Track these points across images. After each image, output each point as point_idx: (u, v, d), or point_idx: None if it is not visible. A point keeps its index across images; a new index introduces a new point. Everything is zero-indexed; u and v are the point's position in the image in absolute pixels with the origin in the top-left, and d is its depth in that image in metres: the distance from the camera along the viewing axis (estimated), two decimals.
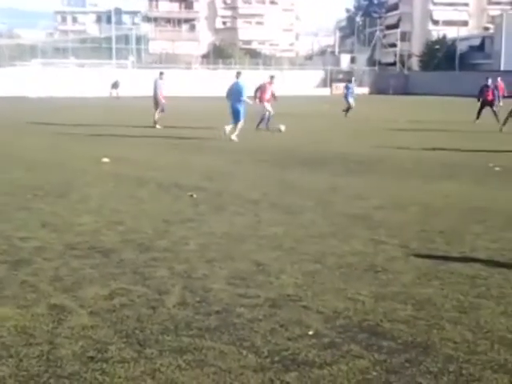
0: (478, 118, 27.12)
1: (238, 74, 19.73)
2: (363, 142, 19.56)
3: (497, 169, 13.40)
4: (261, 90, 23.36)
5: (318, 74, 79.04)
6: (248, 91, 19.05)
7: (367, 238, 7.37)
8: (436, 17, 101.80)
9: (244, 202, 9.51)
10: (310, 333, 4.53)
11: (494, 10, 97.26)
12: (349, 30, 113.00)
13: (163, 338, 4.44)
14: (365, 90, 72.10)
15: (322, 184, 11.34)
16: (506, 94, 30.64)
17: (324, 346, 4.32)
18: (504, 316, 4.95)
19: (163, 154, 15.83)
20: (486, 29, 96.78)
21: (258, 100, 23.10)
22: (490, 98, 26.82)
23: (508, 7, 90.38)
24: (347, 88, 32.09)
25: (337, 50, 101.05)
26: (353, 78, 36.36)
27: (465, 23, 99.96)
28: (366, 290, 5.48)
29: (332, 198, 10.06)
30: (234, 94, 19.10)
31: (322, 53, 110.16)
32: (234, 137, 18.91)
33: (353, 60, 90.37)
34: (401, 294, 5.40)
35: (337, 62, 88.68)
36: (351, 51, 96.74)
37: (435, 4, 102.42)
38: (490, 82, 27.14)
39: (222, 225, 7.98)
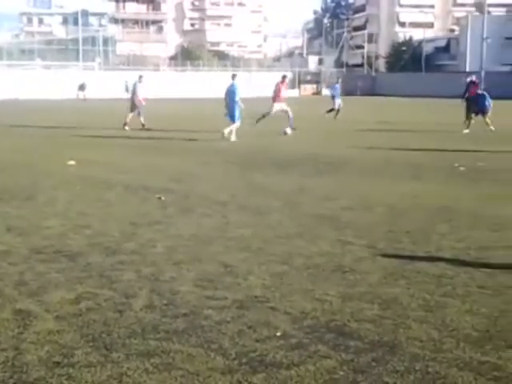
0: (468, 123, 23.92)
1: (234, 75, 20.03)
2: (332, 142, 19.68)
3: (462, 169, 13.57)
4: (276, 90, 23.42)
5: (288, 76, 79.21)
6: (241, 93, 19.36)
7: (335, 238, 7.41)
8: (402, 19, 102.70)
9: (212, 204, 9.49)
10: (278, 334, 4.54)
11: (459, 12, 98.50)
12: (316, 32, 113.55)
13: (130, 342, 4.41)
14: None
15: (290, 185, 11.37)
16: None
17: (291, 347, 4.33)
18: (469, 314, 5.01)
19: (131, 156, 15.74)
20: (452, 30, 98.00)
21: (272, 100, 23.18)
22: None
23: (473, 9, 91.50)
24: (334, 89, 32.06)
25: (305, 51, 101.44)
26: (339, 79, 35.97)
27: (430, 25, 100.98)
28: (334, 291, 5.51)
29: (300, 199, 10.10)
30: (229, 95, 19.41)
31: (290, 54, 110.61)
32: (232, 137, 19.16)
33: (320, 62, 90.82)
34: (368, 294, 5.44)
35: (305, 64, 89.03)
36: (319, 53, 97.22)
37: (401, 6, 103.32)
38: (474, 77, 26.88)
39: (189, 227, 7.95)
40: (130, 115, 23.97)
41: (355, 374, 3.98)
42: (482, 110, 23.16)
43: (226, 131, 19.37)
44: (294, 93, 71.13)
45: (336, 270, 6.14)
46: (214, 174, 12.70)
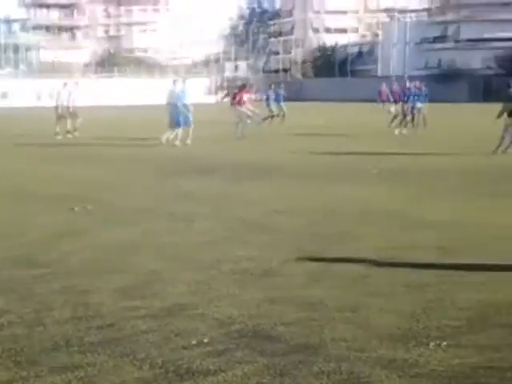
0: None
1: (175, 81, 20.53)
2: (259, 147, 19.80)
3: (374, 171, 13.86)
4: (239, 94, 23.49)
5: (203, 83, 79.02)
6: (189, 98, 19.83)
7: (262, 242, 7.44)
8: (316, 25, 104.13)
9: (136, 212, 9.38)
10: (205, 340, 4.52)
11: (371, 18, 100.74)
12: (233, 38, 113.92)
13: (54, 355, 4.30)
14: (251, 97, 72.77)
15: (218, 191, 11.38)
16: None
17: (218, 353, 4.32)
18: (393, 313, 5.11)
19: (47, 165, 15.38)
20: (364, 36, 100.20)
21: (236, 104, 23.51)
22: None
23: (384, 15, 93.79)
24: (268, 95, 31.15)
25: (221, 58, 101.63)
26: (282, 85, 35.00)
27: (344, 31, 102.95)
28: (261, 295, 5.52)
29: (228, 204, 10.12)
30: (173, 100, 19.63)
31: (207, 61, 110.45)
32: (177, 142, 19.45)
33: (237, 68, 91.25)
34: (294, 297, 5.48)
35: (221, 70, 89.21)
36: (235, 59, 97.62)
37: (315, 12, 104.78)
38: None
39: (113, 236, 7.83)
40: (69, 122, 23.58)
41: (282, 377, 3.99)
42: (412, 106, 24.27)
43: (164, 138, 19.49)
44: (211, 99, 70.92)
45: (263, 274, 6.17)
46: (136, 182, 12.56)
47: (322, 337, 4.62)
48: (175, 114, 19.52)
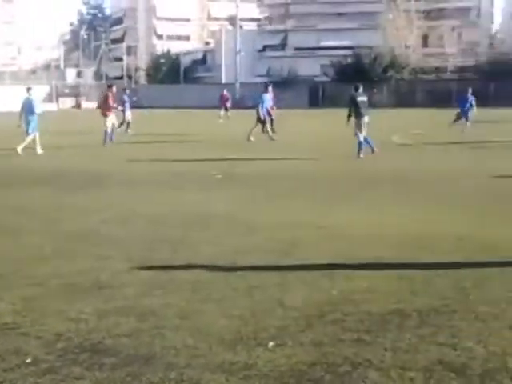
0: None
1: (28, 89, 20.15)
2: (95, 157, 19.38)
3: (218, 176, 14.04)
4: (104, 100, 22.87)
5: (44, 89, 76.47)
6: (38, 105, 20.18)
7: (93, 254, 7.27)
8: (160, 31, 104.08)
9: None
10: (28, 360, 4.34)
11: (214, 26, 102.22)
12: (74, 44, 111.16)
13: None
14: (94, 105, 71.33)
15: (48, 202, 10.98)
16: (228, 105, 31.89)
17: (43, 372, 4.16)
18: (223, 317, 5.18)
19: None
20: (207, 43, 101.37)
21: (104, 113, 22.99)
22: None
23: (226, 23, 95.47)
24: (124, 101, 29.59)
25: (62, 64, 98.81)
26: (127, 91, 32.49)
27: (187, 38, 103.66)
28: (90, 308, 5.39)
29: (58, 215, 9.79)
30: (25, 108, 19.66)
31: (47, 67, 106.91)
32: (38, 150, 19.25)
33: (79, 74, 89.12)
34: (124, 308, 5.40)
35: (63, 77, 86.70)
36: (77, 65, 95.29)
37: (158, 19, 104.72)
38: (224, 91, 27.52)
39: None
40: None
41: None
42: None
43: (20, 148, 19.14)
44: (52, 106, 68.85)
45: (93, 287, 6.02)
46: None
47: (152, 347, 4.59)
48: (28, 123, 19.63)
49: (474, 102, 29.25)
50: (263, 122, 24.16)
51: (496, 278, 6.12)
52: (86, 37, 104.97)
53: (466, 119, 29.08)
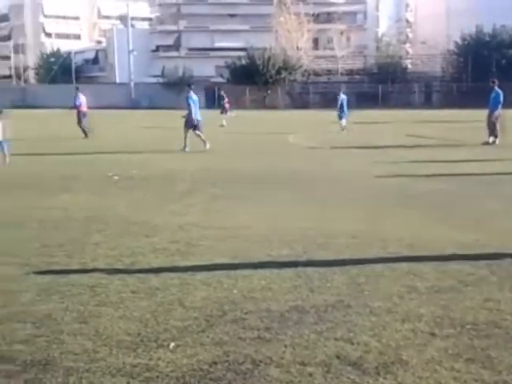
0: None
1: None
2: None
3: (115, 178, 13.84)
4: None
5: None
6: None
7: None
8: (48, 29, 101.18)
9: None
10: None
11: (105, 24, 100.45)
12: None
13: None
14: None
15: None
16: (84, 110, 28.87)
17: None
18: (123, 320, 5.13)
19: None
20: (99, 42, 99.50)
21: None
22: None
23: (118, 22, 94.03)
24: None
25: None
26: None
27: (77, 36, 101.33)
28: None
29: None
30: None
31: None
32: None
33: None
34: (20, 314, 5.25)
35: None
36: None
37: (46, 17, 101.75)
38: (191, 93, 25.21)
39: None
40: None
41: None
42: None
43: None
44: None
45: None
46: None
47: (50, 352, 4.49)
48: None
49: (345, 103, 30.01)
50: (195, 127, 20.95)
51: (388, 274, 6.37)
52: None
53: (340, 119, 29.89)
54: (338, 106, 30.21)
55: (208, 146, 20.26)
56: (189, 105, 20.89)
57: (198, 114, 20.89)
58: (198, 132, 20.94)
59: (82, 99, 27.66)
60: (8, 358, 4.39)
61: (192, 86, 22.45)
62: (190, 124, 20.81)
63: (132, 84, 72.58)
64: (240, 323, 5.02)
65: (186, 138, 20.70)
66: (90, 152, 20.06)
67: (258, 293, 5.76)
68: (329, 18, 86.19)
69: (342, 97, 30.27)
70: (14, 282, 6.17)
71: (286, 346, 4.58)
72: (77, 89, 29.26)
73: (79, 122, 26.97)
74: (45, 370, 4.22)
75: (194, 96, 21.25)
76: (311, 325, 4.99)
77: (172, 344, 4.61)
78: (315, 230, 8.40)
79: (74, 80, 79.04)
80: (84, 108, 27.43)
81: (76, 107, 27.33)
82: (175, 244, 7.68)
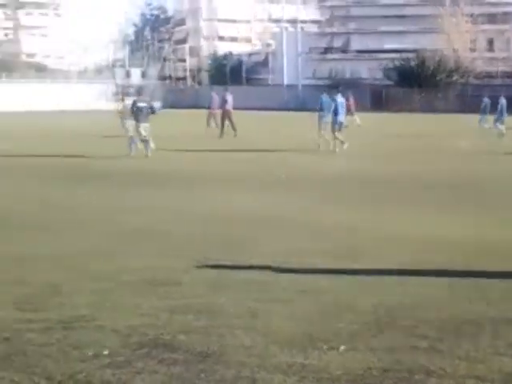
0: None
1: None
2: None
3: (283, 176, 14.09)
4: None
5: (109, 88, 77.71)
6: None
7: (158, 252, 7.37)
8: (221, 33, 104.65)
9: None
10: (105, 352, 4.43)
11: (275, 28, 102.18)
12: (138, 44, 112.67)
13: None
14: (157, 105, 72.16)
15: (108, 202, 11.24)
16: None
17: (118, 365, 4.24)
18: (291, 318, 5.17)
19: None
20: (269, 45, 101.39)
21: None
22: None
23: (288, 25, 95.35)
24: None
25: (127, 63, 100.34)
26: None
27: (248, 39, 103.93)
28: (161, 304, 5.47)
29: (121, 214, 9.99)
30: None
31: (112, 66, 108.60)
32: None
33: (144, 74, 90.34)
34: (195, 305, 5.46)
35: (127, 76, 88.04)
36: (141, 65, 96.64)
37: (220, 21, 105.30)
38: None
39: None
40: None
41: None
42: None
43: None
44: (117, 106, 69.50)
45: (163, 284, 6.11)
46: None
47: (223, 344, 4.63)
48: None
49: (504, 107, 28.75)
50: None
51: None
52: (149, 37, 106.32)
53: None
54: (498, 110, 28.96)
55: (346, 145, 20.61)
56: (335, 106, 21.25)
57: (342, 115, 21.49)
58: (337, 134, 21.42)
59: (215, 99, 29.44)
60: (185, 347, 4.58)
61: (340, 88, 23.62)
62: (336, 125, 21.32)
63: (299, 86, 73.29)
64: (411, 331, 4.90)
65: (335, 138, 21.23)
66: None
67: (427, 301, 5.61)
68: (506, 18, 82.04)
69: (503, 101, 28.99)
70: (187, 274, 6.43)
71: (459, 359, 4.41)
72: (225, 90, 29.98)
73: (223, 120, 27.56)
74: (217, 361, 4.35)
75: (339, 98, 21.79)
76: (487, 339, 4.76)
77: (342, 347, 4.59)
78: None
79: (233, 82, 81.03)
80: (228, 107, 28.14)
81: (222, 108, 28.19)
82: (344, 248, 7.66)
